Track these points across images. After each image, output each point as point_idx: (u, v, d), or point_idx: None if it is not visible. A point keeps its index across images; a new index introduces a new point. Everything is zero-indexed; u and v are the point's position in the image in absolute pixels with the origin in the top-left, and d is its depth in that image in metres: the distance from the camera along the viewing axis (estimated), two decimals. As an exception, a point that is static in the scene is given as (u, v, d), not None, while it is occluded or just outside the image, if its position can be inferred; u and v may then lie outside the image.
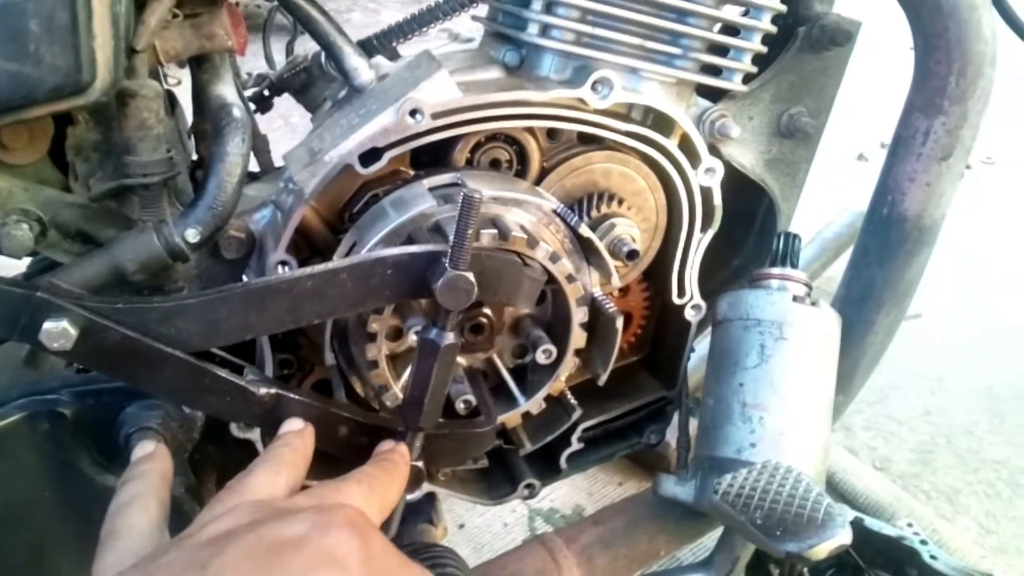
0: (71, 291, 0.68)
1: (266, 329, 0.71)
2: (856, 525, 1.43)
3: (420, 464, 0.75)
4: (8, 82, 0.65)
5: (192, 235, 0.80)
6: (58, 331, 0.65)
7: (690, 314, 1.05)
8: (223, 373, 0.71)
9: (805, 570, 1.24)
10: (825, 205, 2.75)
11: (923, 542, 1.44)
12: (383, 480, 0.66)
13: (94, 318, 0.66)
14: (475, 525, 1.84)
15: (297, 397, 0.74)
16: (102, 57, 0.67)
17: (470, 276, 0.69)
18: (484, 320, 0.87)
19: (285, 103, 1.17)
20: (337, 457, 0.77)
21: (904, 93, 1.02)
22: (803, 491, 0.79)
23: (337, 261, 0.72)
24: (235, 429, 0.90)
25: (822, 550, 0.73)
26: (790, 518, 0.76)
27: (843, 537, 0.74)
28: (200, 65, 0.91)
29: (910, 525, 1.54)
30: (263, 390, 0.72)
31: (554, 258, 0.83)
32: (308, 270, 0.70)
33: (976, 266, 2.58)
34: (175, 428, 0.81)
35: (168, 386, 0.70)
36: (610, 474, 2.00)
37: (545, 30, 0.89)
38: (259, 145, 1.08)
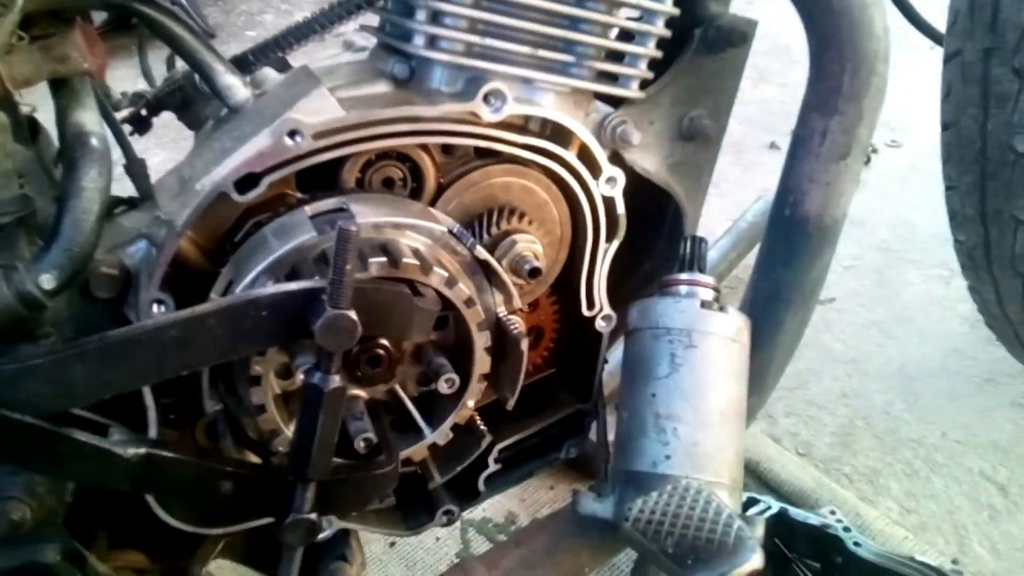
0: None
1: (129, 385, 0.65)
2: (781, 516, 1.44)
3: (312, 516, 0.70)
4: None
5: (47, 281, 0.72)
6: None
7: (601, 325, 1.03)
8: (83, 436, 0.64)
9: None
10: (741, 194, 2.79)
11: (847, 529, 1.46)
12: None
13: (-75, 387, 0.59)
14: (407, 542, 1.78)
15: (170, 455, 0.68)
16: (-78, 91, 0.60)
17: (352, 315, 0.64)
18: (381, 351, 0.82)
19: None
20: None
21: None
22: (713, 513, 0.77)
23: (204, 305, 0.66)
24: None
25: (733, 578, 0.71)
26: (701, 544, 0.74)
27: (754, 562, 0.72)
28: (58, 90, 0.83)
29: (833, 512, 1.55)
30: (131, 451, 0.66)
31: (450, 283, 0.79)
32: (171, 317, 0.64)
33: (886, 248, 2.65)
34: (43, 494, 0.74)
35: (22, 456, 0.63)
36: (541, 479, 1.97)
37: (433, 41, 0.85)
38: (136, 170, 1.00)
